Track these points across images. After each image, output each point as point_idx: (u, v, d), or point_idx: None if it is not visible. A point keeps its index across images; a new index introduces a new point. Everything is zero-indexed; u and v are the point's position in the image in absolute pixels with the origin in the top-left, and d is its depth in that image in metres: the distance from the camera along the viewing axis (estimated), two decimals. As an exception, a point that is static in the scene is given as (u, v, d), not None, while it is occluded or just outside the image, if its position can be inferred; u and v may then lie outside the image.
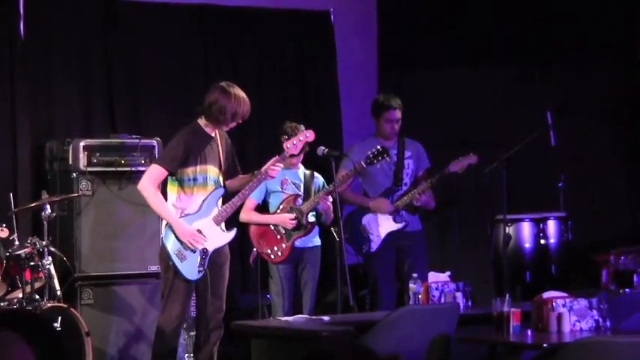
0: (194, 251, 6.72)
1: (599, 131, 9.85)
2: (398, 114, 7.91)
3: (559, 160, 9.19)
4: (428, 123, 9.55)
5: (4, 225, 7.26)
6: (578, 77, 9.86)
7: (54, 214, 7.51)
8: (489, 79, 10.01)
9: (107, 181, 7.95)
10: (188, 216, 6.76)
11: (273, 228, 7.63)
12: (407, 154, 8.01)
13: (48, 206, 7.40)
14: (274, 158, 6.93)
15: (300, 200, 7.65)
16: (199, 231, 6.74)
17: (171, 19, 9.11)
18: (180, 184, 6.79)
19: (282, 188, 7.69)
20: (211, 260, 6.81)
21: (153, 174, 6.81)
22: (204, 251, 6.75)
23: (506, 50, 9.88)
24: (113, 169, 7.94)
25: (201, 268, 6.74)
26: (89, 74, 8.68)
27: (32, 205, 7.57)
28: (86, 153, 7.91)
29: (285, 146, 7.01)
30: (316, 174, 7.79)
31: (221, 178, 6.88)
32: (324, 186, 7.71)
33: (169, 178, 6.82)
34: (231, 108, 6.76)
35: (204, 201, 6.79)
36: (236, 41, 9.40)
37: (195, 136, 6.83)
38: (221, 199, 6.90)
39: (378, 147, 7.61)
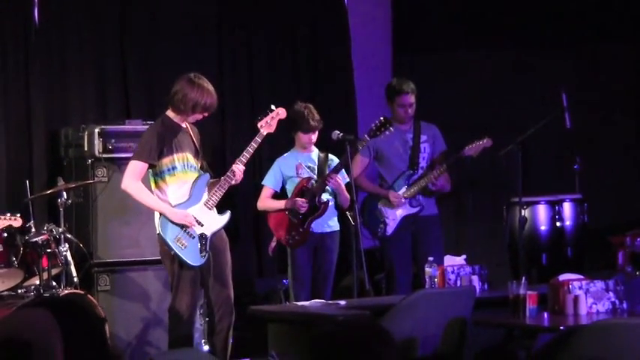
0: (193, 237, 6.74)
1: (614, 113, 9.83)
2: (411, 98, 7.89)
3: (574, 142, 9.16)
4: (442, 106, 9.53)
5: (19, 215, 7.24)
6: (594, 59, 9.83)
7: (70, 201, 7.52)
8: (504, 62, 9.99)
9: (122, 168, 7.90)
10: (179, 205, 6.77)
11: (288, 213, 7.63)
12: (423, 137, 7.99)
13: (64, 193, 7.41)
14: (237, 160, 6.90)
15: (312, 182, 7.66)
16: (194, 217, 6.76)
17: (185, 3, 9.11)
18: (161, 176, 6.79)
19: (297, 173, 7.70)
20: (212, 246, 6.83)
21: (134, 170, 6.80)
22: (202, 236, 6.77)
23: (521, 32, 9.85)
24: (128, 155, 7.93)
25: (204, 253, 6.77)
26: (103, 60, 8.69)
27: (48, 192, 7.59)
28: (101, 139, 7.92)
29: (259, 126, 7.02)
30: (331, 156, 7.78)
31: (199, 166, 6.89)
32: (339, 167, 7.71)
33: (149, 174, 6.81)
34: (192, 98, 6.76)
35: (192, 189, 6.80)
36: (250, 25, 9.39)
37: (165, 126, 6.84)
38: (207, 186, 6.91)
39: (381, 118, 7.56)
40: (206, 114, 6.88)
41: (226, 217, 6.94)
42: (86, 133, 7.94)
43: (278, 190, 7.74)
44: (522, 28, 9.84)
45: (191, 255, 6.74)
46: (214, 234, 6.85)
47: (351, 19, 9.87)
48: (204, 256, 6.78)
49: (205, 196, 6.86)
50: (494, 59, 9.98)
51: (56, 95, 8.45)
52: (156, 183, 6.83)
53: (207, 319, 7.65)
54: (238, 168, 6.86)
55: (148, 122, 8.04)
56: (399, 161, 7.95)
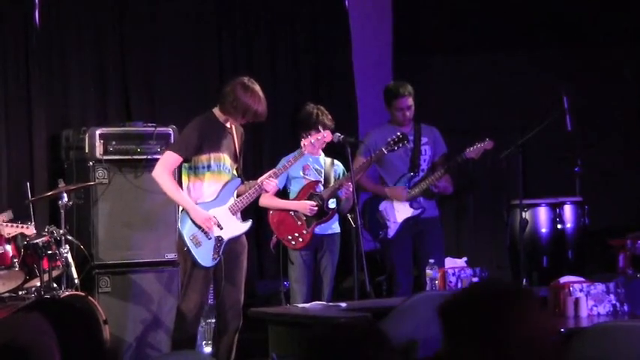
0: (209, 238, 6.75)
1: (615, 115, 9.83)
2: (408, 101, 7.88)
3: (575, 145, 9.17)
4: (443, 108, 9.53)
5: (30, 223, 7.23)
6: (595, 62, 9.82)
7: (71, 203, 7.51)
8: (505, 64, 9.99)
9: (123, 170, 7.95)
10: (205, 203, 6.79)
11: (293, 214, 7.61)
12: (424, 139, 7.99)
13: (65, 195, 7.41)
14: (271, 171, 6.95)
15: (320, 186, 7.64)
16: (215, 219, 6.77)
17: (185, 5, 9.11)
18: (195, 171, 6.82)
19: (304, 174, 7.65)
20: (229, 249, 6.84)
21: (167, 160, 6.84)
22: (218, 239, 6.78)
23: (522, 35, 9.86)
24: (129, 157, 7.95)
25: (216, 255, 6.78)
26: (104, 63, 8.68)
27: (49, 194, 7.58)
28: (102, 141, 7.92)
29: (302, 144, 7.05)
30: (336, 162, 7.77)
31: (234, 169, 6.91)
32: (344, 173, 7.69)
33: (183, 167, 6.85)
34: (244, 103, 6.77)
35: (221, 190, 6.83)
36: (250, 27, 9.39)
37: (210, 124, 6.85)
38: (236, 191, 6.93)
39: (399, 134, 7.60)
40: (252, 120, 6.90)
41: (247, 225, 6.97)
42: (87, 135, 7.94)
43: (280, 188, 7.73)
44: (523, 30, 9.84)
45: (203, 255, 6.76)
46: (232, 239, 6.86)
47: (352, 21, 9.87)
48: (216, 259, 6.79)
49: (232, 200, 6.88)
50: (495, 61, 9.98)
51: (57, 97, 8.45)
52: (188, 177, 6.86)
53: (208, 320, 7.65)
54: (271, 181, 6.90)
55: (149, 124, 8.07)
56: (399, 163, 7.95)
